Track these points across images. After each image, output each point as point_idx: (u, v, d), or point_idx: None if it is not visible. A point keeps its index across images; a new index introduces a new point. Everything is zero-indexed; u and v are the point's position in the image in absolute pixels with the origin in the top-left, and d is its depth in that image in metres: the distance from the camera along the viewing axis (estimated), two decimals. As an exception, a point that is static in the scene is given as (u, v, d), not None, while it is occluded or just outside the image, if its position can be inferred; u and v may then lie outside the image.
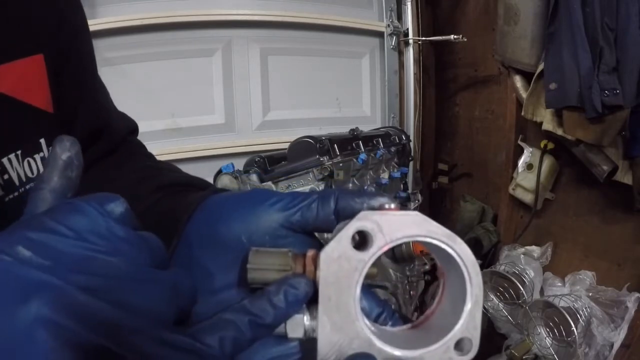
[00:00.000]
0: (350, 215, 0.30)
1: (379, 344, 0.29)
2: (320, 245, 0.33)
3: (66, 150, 0.29)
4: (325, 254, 0.28)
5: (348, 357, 0.28)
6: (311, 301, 0.30)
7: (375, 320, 0.34)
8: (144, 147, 0.65)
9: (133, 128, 0.65)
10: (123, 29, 1.64)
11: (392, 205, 0.31)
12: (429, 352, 0.29)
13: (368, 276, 0.30)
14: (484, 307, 1.99)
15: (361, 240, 0.29)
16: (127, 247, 0.26)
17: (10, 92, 0.44)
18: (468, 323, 0.29)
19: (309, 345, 0.30)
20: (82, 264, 0.24)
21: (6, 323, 0.21)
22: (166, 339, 0.24)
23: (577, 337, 1.51)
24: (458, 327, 0.29)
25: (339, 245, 0.28)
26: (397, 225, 0.29)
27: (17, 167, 0.45)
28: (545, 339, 1.67)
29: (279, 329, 0.30)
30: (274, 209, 0.33)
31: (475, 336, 0.30)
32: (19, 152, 0.45)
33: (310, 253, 0.31)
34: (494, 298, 1.86)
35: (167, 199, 0.43)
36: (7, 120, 0.44)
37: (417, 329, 0.33)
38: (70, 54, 0.53)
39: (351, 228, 0.29)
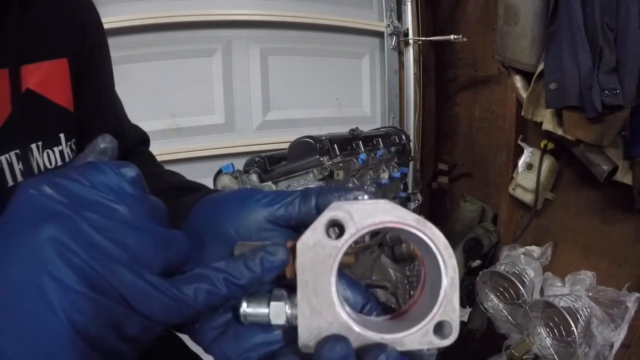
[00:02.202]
0: None
1: (357, 328, 0.30)
2: None
3: (105, 142, 0.35)
4: (302, 242, 0.30)
5: (322, 339, 0.29)
6: (293, 291, 0.31)
7: (361, 311, 0.36)
8: (154, 157, 0.68)
9: (145, 139, 0.70)
10: (123, 29, 1.64)
11: (365, 197, 0.33)
12: (407, 336, 0.30)
13: (344, 264, 0.31)
14: (484, 307, 1.97)
15: (340, 231, 0.31)
16: (132, 201, 0.31)
17: (36, 88, 0.50)
18: (445, 306, 0.29)
19: (293, 334, 0.31)
20: (92, 206, 0.29)
21: (27, 238, 0.27)
22: (147, 278, 0.28)
23: (577, 337, 1.51)
24: (435, 309, 0.29)
25: (314, 233, 0.30)
26: (367, 213, 0.30)
27: (38, 157, 0.50)
28: (545, 339, 1.67)
29: (262, 318, 0.32)
30: (259, 205, 0.37)
31: (455, 319, 0.30)
32: (40, 143, 0.50)
33: (289, 244, 0.32)
34: (494, 298, 1.85)
35: (170, 200, 0.46)
36: (31, 112, 0.49)
37: (399, 318, 0.34)
38: (92, 63, 0.59)
39: (324, 217, 0.30)
